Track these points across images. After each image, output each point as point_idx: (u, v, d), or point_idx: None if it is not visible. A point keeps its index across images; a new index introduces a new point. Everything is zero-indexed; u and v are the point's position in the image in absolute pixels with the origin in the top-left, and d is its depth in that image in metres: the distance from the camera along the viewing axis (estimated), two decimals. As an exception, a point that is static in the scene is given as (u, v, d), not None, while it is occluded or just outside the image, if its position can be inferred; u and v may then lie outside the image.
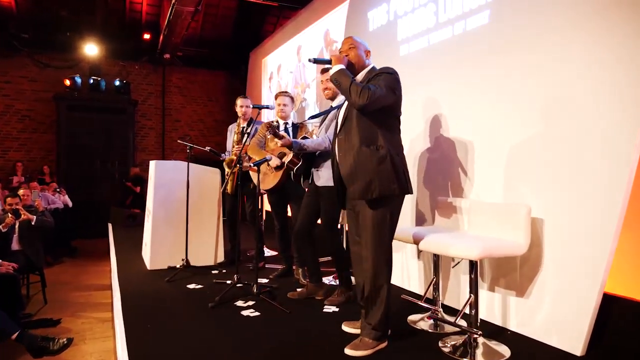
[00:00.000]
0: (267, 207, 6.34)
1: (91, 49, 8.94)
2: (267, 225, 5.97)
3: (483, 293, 3.00)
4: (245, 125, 4.43)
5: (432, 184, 3.38)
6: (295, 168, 3.30)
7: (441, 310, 2.93)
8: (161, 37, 8.56)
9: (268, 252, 5.13)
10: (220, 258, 4.61)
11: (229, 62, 10.22)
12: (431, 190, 3.38)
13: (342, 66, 2.45)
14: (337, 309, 3.17)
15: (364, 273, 2.50)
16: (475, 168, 3.10)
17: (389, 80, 2.38)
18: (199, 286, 3.75)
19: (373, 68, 2.56)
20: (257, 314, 3.06)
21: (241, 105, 4.46)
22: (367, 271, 2.45)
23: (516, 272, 2.77)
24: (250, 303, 3.27)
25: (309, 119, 3.36)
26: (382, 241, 2.43)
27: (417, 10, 3.58)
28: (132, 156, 9.30)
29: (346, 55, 2.53)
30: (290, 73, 7.36)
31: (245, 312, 3.08)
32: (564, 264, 2.50)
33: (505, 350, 2.43)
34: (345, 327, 2.77)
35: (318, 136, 3.31)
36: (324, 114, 3.26)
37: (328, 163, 3.21)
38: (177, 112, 10.14)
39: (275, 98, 4.02)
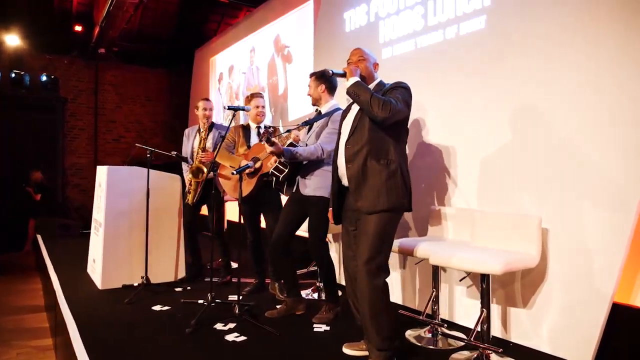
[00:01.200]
0: (230, 217, 6.00)
1: (12, 40, 8.00)
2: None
3: (478, 304, 2.93)
4: (206, 130, 4.07)
5: (421, 192, 3.26)
6: (281, 176, 3.04)
7: (445, 325, 2.82)
8: (97, 29, 7.84)
9: (233, 265, 4.78)
10: (182, 274, 4.21)
11: (171, 60, 9.63)
12: (421, 199, 3.26)
13: (357, 78, 2.37)
14: (328, 328, 2.95)
15: (359, 292, 2.33)
16: (467, 177, 3.03)
17: (404, 94, 2.35)
18: (166, 307, 3.36)
19: (381, 82, 2.50)
20: (243, 338, 2.76)
21: (204, 108, 4.10)
22: (362, 286, 2.28)
23: (516, 283, 2.71)
24: (232, 325, 2.96)
25: (302, 124, 3.11)
26: (382, 250, 2.29)
27: (403, 13, 3.46)
28: (60, 159, 8.45)
29: (357, 67, 2.45)
30: (243, 74, 7.03)
31: (229, 337, 2.77)
32: (571, 275, 2.46)
33: (519, 367, 2.35)
34: (347, 350, 2.56)
35: (306, 143, 3.07)
36: (315, 120, 3.03)
37: (318, 171, 3.00)
38: (112, 112, 9.36)
39: (249, 99, 3.72)
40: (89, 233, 4.47)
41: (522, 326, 2.68)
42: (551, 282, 2.56)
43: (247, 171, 3.37)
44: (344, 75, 2.39)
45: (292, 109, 5.64)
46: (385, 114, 2.21)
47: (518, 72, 2.74)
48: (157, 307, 3.35)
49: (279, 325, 2.95)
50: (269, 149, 2.86)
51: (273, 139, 2.85)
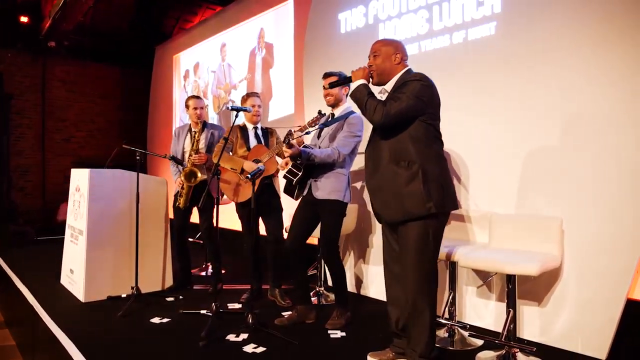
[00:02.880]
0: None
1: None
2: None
3: (491, 304, 3.00)
4: (198, 129, 3.89)
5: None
6: (295, 179, 2.95)
7: (467, 326, 2.85)
8: (47, 21, 7.28)
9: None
10: (169, 282, 3.99)
11: (126, 56, 9.14)
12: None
13: (363, 81, 2.29)
14: (344, 334, 2.91)
15: (402, 295, 2.29)
16: (477, 180, 3.09)
17: (414, 88, 2.18)
18: (166, 320, 3.16)
19: (408, 71, 2.34)
20: (262, 349, 2.65)
21: (195, 107, 3.91)
22: (409, 294, 2.25)
23: (530, 282, 2.80)
24: (245, 336, 2.83)
25: (319, 126, 3.03)
26: (423, 262, 2.22)
27: (405, 16, 3.48)
28: (6, 160, 7.77)
29: (370, 65, 2.34)
30: (212, 72, 6.80)
31: (247, 349, 2.65)
32: (586, 272, 2.58)
33: (544, 364, 2.42)
34: (373, 359, 2.51)
35: (319, 146, 3.01)
36: (331, 123, 2.97)
37: (332, 175, 2.95)
38: (62, 109, 8.73)
39: (245, 99, 3.60)
40: (46, 240, 4.12)
41: (535, 323, 2.77)
42: (566, 280, 2.66)
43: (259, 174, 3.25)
44: (349, 79, 2.34)
45: (271, 109, 5.52)
46: (377, 118, 2.15)
47: (531, 77, 2.83)
48: (155, 320, 3.15)
49: (292, 333, 2.87)
50: (287, 151, 2.78)
51: (292, 141, 2.77)
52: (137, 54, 9.07)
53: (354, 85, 2.29)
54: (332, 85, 2.63)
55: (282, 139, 3.54)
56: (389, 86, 2.33)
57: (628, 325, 2.47)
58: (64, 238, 4.16)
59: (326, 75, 3.04)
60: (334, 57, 4.08)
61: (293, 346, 2.69)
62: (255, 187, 3.33)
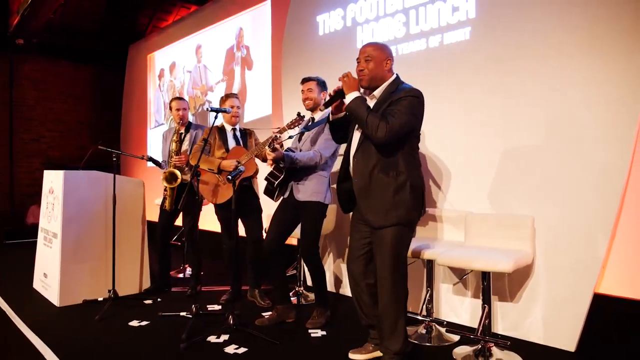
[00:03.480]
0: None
1: None
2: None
3: (467, 301, 3.09)
4: (183, 131, 3.87)
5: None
6: (276, 182, 2.98)
7: (444, 322, 2.93)
8: (16, 18, 7.06)
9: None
10: (146, 284, 3.95)
11: (98, 55, 8.94)
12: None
13: (357, 93, 2.26)
14: (324, 332, 2.95)
15: (380, 294, 2.34)
16: (452, 180, 3.18)
17: (411, 104, 2.21)
18: (144, 322, 3.14)
19: (396, 80, 2.35)
20: (244, 349, 2.66)
21: (177, 108, 3.88)
22: (384, 293, 2.30)
23: (504, 279, 2.90)
24: (226, 337, 2.84)
25: (302, 129, 3.06)
26: (399, 263, 2.30)
27: (383, 20, 3.54)
28: (-29, 162, 7.51)
29: (361, 70, 2.31)
30: (188, 72, 6.74)
31: (229, 349, 2.66)
32: (556, 269, 2.69)
33: (518, 359, 2.51)
34: (355, 356, 2.56)
35: (300, 149, 3.04)
36: (312, 127, 3.00)
37: (314, 177, 2.99)
38: (30, 109, 8.47)
39: (224, 100, 3.59)
40: (15, 244, 4.02)
41: (508, 319, 2.88)
42: (537, 277, 2.77)
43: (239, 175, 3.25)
44: (342, 94, 2.27)
45: (248, 111, 5.52)
46: (382, 135, 2.13)
47: (503, 81, 2.93)
48: (134, 323, 3.12)
49: (273, 333, 2.89)
50: (270, 155, 2.80)
51: (276, 145, 2.79)
52: (109, 53, 8.88)
53: (349, 98, 2.25)
54: (327, 105, 2.39)
55: (260, 140, 3.56)
56: (378, 92, 2.33)
57: (595, 318, 2.59)
58: (34, 241, 4.06)
59: (304, 80, 3.07)
60: (313, 59, 4.12)
61: (274, 346, 2.71)
62: (235, 190, 3.35)
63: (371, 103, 2.31)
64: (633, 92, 2.43)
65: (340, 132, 2.49)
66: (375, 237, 2.32)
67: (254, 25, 5.46)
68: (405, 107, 2.20)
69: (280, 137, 2.85)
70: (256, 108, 5.39)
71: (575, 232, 2.62)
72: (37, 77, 8.51)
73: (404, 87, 2.29)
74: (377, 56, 2.30)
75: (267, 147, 2.82)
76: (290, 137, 3.01)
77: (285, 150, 2.93)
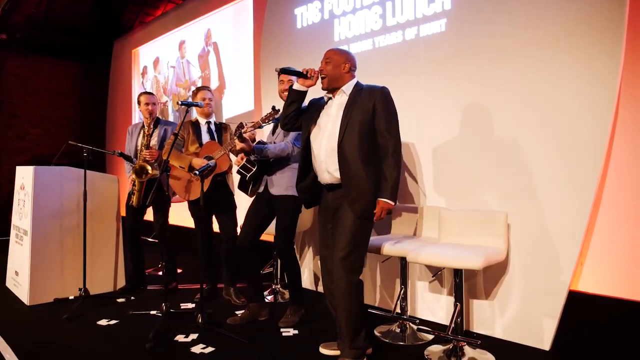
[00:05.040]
0: (173, 220, 5.61)
1: None
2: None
3: (442, 298, 3.03)
4: (151, 126, 3.79)
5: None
6: (249, 175, 2.90)
7: (417, 321, 2.87)
8: (-2, 13, 6.96)
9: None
10: (121, 283, 3.87)
11: (84, 51, 8.83)
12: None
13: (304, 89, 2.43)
14: (296, 331, 2.88)
15: (335, 288, 2.32)
16: (427, 176, 3.12)
17: (393, 113, 2.35)
18: (113, 321, 3.07)
19: (357, 85, 2.42)
20: (211, 349, 2.60)
21: (146, 102, 3.80)
22: (338, 282, 2.28)
23: (479, 276, 2.84)
24: (194, 336, 2.77)
25: (272, 122, 2.98)
26: (359, 248, 2.30)
27: (360, 12, 3.47)
28: (-47, 159, 7.40)
29: (321, 70, 2.40)
30: (172, 68, 6.65)
31: (195, 349, 2.59)
32: (531, 266, 2.63)
33: (490, 358, 2.45)
34: (324, 350, 2.53)
35: (274, 142, 2.96)
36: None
37: (288, 170, 2.92)
38: (15, 105, 8.36)
39: (196, 93, 3.52)
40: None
41: (484, 316, 2.82)
42: (512, 274, 2.71)
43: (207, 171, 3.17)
44: (302, 75, 2.37)
45: (227, 106, 5.44)
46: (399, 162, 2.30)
47: (477, 73, 2.86)
48: (103, 322, 3.05)
49: (244, 332, 2.83)
50: (239, 145, 2.72)
51: (245, 135, 2.71)
52: (96, 49, 8.77)
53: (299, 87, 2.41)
54: (284, 71, 2.51)
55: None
56: (348, 90, 2.38)
57: (570, 316, 2.54)
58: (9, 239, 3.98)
59: (284, 72, 2.99)
60: (290, 52, 4.04)
61: (243, 345, 2.65)
62: (207, 184, 3.28)
63: (341, 98, 2.39)
64: (609, 87, 2.37)
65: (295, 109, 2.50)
66: (338, 221, 2.34)
67: (236, 19, 5.37)
68: (392, 122, 2.32)
69: (247, 125, 2.77)
70: (238, 103, 5.31)
71: (550, 228, 2.56)
72: (21, 73, 8.39)
73: (371, 86, 2.40)
74: (336, 59, 2.38)
75: (235, 138, 2.74)
76: (260, 127, 2.93)
77: (257, 143, 2.86)
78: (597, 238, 2.51)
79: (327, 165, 2.34)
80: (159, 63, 6.99)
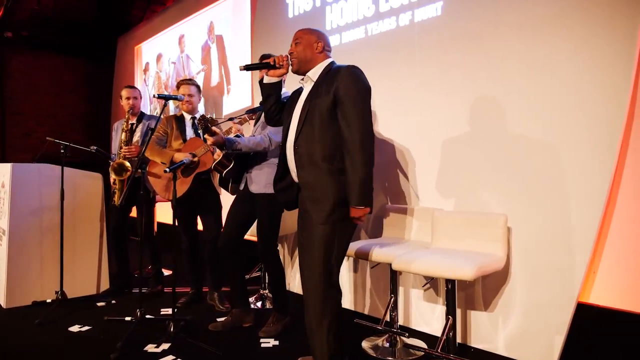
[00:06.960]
0: (161, 219, 5.46)
1: None
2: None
3: (438, 308, 2.77)
4: (134, 121, 3.62)
5: (374, 191, 3.04)
6: (225, 171, 2.69)
7: (406, 334, 2.62)
8: (1, 10, 6.91)
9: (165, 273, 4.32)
10: (105, 285, 3.70)
11: (91, 48, 8.77)
12: (374, 198, 3.05)
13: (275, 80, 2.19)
14: (277, 342, 2.65)
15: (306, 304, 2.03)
16: (421, 174, 2.86)
17: (358, 97, 1.99)
18: (86, 327, 2.89)
19: (332, 63, 2.14)
20: (179, 361, 2.40)
21: (127, 97, 3.63)
22: (310, 297, 1.99)
23: (477, 285, 2.57)
24: (166, 346, 2.57)
25: (246, 112, 2.78)
26: (330, 260, 1.97)
27: (352, -2, 3.23)
28: (-42, 157, 7.40)
29: (291, 53, 2.14)
30: (173, 64, 6.51)
31: (163, 361, 2.39)
32: (535, 275, 2.35)
33: (486, 376, 2.19)
34: (301, 366, 2.29)
35: (254, 134, 2.75)
36: (260, 109, 2.71)
37: (267, 166, 2.69)
38: (20, 103, 8.34)
39: (178, 87, 3.33)
40: None
41: (483, 330, 2.55)
42: (514, 283, 2.44)
43: (181, 168, 2.98)
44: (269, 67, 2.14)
45: (227, 103, 5.25)
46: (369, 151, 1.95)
47: (475, 62, 2.60)
48: (75, 328, 2.88)
49: (223, 341, 2.63)
50: (209, 139, 2.51)
51: (214, 128, 2.49)
52: (102, 46, 8.71)
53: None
54: (248, 68, 2.23)
55: (224, 130, 3.28)
56: (315, 75, 2.11)
57: (579, 331, 2.25)
58: None
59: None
60: (283, 41, 3.81)
61: (215, 357, 2.44)
62: (190, 183, 3.09)
63: (307, 86, 2.11)
64: (624, 81, 2.08)
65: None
66: (308, 232, 2.03)
67: (235, 13, 5.18)
68: (360, 105, 1.98)
69: (211, 115, 2.55)
70: (236, 99, 5.12)
71: (557, 232, 2.28)
72: (27, 70, 8.36)
73: (339, 66, 2.08)
74: (307, 39, 2.14)
75: (200, 131, 2.52)
76: (240, 123, 2.72)
77: (232, 136, 2.64)
78: (610, 244, 2.22)
79: (291, 163, 2.09)
80: (161, 59, 6.85)
